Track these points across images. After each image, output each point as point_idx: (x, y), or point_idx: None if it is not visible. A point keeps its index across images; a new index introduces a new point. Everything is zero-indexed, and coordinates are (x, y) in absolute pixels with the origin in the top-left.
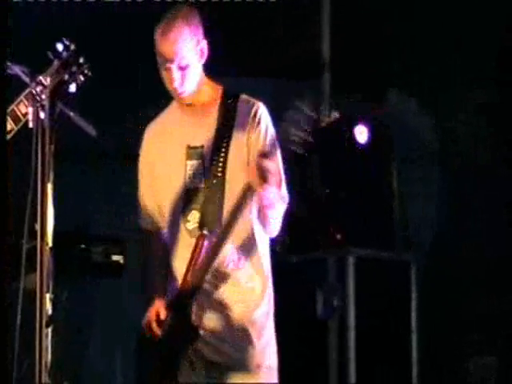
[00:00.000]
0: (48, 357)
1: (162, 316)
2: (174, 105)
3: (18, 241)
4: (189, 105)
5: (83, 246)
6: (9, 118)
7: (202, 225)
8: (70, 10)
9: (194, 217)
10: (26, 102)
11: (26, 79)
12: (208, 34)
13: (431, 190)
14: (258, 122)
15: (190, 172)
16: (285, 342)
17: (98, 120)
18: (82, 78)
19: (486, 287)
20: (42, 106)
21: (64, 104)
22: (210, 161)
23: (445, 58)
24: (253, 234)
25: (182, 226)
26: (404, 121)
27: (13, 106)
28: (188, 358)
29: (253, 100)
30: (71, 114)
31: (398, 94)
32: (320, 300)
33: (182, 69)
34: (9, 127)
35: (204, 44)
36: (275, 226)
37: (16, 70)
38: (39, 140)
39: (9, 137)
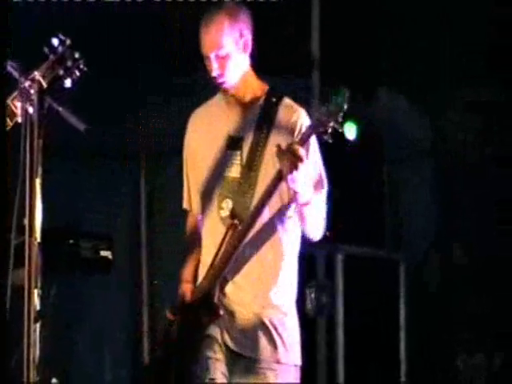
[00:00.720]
0: (36, 353)
1: (187, 300)
2: (219, 95)
3: (5, 236)
4: (232, 96)
5: (72, 241)
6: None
7: (233, 215)
8: (71, 10)
9: (227, 205)
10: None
11: (16, 74)
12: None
13: (422, 188)
14: (300, 131)
15: (228, 161)
16: None
17: (98, 120)
18: (77, 73)
19: (475, 285)
20: (31, 101)
21: (54, 99)
22: (249, 153)
23: (434, 56)
24: (279, 244)
25: (215, 213)
26: (394, 119)
27: (8, 101)
28: (211, 347)
29: (295, 106)
30: (60, 108)
31: (387, 92)
32: (309, 297)
33: (221, 58)
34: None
35: (248, 37)
36: (316, 225)
37: (6, 65)
38: (27, 135)
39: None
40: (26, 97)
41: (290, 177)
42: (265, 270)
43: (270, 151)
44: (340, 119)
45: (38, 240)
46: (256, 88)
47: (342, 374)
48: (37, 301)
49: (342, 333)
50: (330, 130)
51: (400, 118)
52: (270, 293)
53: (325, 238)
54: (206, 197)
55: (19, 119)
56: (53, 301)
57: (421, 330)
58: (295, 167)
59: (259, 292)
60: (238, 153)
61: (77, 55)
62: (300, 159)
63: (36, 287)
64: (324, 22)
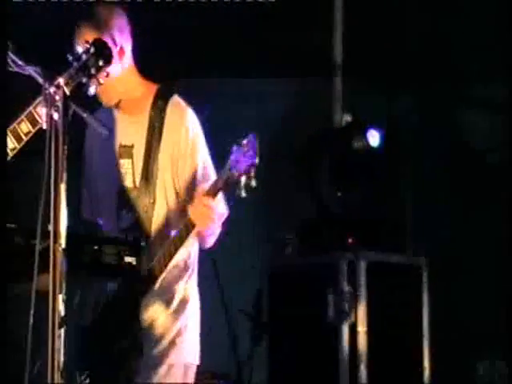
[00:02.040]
0: (61, 358)
1: None
2: None
3: (30, 241)
4: (116, 104)
5: (96, 247)
6: (26, 120)
7: (135, 227)
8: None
9: (125, 215)
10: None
11: (40, 80)
12: (223, 35)
13: (444, 194)
14: (186, 130)
15: (122, 171)
16: (296, 346)
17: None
18: (101, 81)
19: (497, 292)
20: (56, 107)
21: (78, 105)
22: (143, 161)
23: (459, 58)
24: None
25: (113, 224)
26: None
27: (30, 108)
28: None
29: (182, 105)
30: (85, 114)
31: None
32: (331, 304)
33: None
34: (25, 130)
35: (123, 43)
36: (211, 242)
37: (30, 70)
38: (53, 141)
39: (26, 138)
40: (50, 103)
41: (206, 230)
42: None
43: (165, 156)
44: (253, 174)
45: (63, 246)
46: (143, 92)
47: (365, 382)
48: (61, 306)
49: (364, 340)
50: (243, 184)
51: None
52: None
53: (347, 244)
54: (103, 208)
55: (44, 125)
56: (76, 307)
57: (444, 336)
58: (210, 221)
59: None
60: (130, 161)
61: (100, 63)
62: (213, 212)
63: (60, 293)
64: (347, 24)
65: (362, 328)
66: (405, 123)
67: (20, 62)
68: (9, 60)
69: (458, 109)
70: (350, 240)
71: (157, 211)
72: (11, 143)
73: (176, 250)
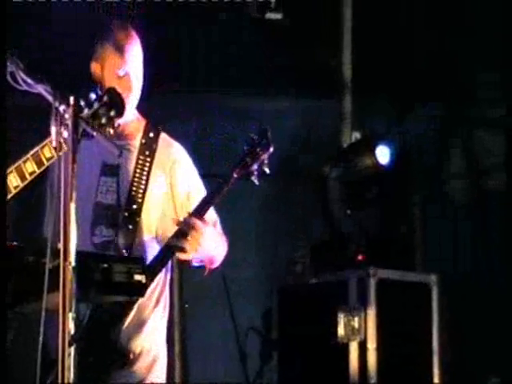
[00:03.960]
0: (71, 376)
1: None
2: None
3: (40, 260)
4: None
5: (105, 265)
6: (32, 160)
7: (109, 244)
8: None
9: (101, 231)
10: (51, 146)
11: (50, 98)
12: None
13: (453, 211)
14: (179, 166)
15: (102, 187)
16: (306, 364)
17: None
18: (111, 131)
19: (508, 310)
20: (66, 126)
21: (88, 124)
22: (131, 182)
23: (470, 75)
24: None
25: (87, 239)
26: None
27: (37, 149)
28: None
29: (171, 140)
30: (95, 133)
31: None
32: (341, 321)
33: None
34: (30, 170)
35: None
36: (216, 261)
37: (40, 89)
38: (62, 159)
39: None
40: (60, 121)
41: (196, 252)
42: None
43: (154, 182)
44: (266, 161)
45: (73, 264)
46: (133, 119)
47: None
48: (71, 325)
49: (374, 357)
50: (255, 172)
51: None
52: None
53: (357, 261)
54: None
55: (53, 143)
56: (86, 325)
57: (454, 354)
58: (198, 244)
59: None
60: (114, 179)
61: (112, 113)
62: (201, 233)
63: (70, 311)
64: (356, 41)
65: (371, 345)
66: (414, 140)
67: (30, 81)
68: (18, 78)
69: (465, 128)
70: (359, 257)
71: (140, 231)
72: (15, 181)
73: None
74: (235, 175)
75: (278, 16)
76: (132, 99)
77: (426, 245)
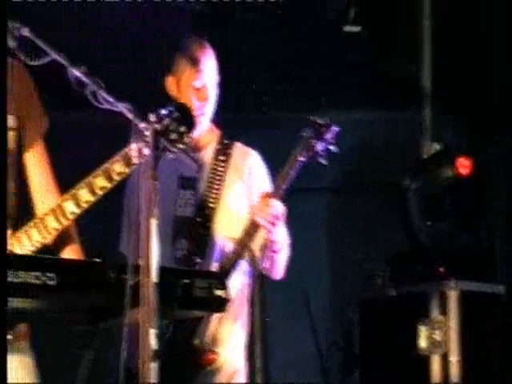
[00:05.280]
0: None
1: None
2: None
3: (121, 276)
4: None
5: (187, 280)
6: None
7: (192, 252)
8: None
9: (182, 245)
10: (122, 162)
11: (130, 116)
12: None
13: None
14: (255, 171)
15: (181, 200)
16: (387, 377)
17: None
18: (181, 147)
19: None
20: (147, 143)
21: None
22: (204, 193)
23: None
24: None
25: (169, 254)
26: None
27: (107, 165)
28: None
29: (248, 149)
30: (175, 150)
31: None
32: (422, 334)
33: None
34: (100, 185)
35: None
36: (281, 268)
37: (120, 107)
38: (143, 176)
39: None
40: (140, 138)
41: (271, 230)
42: None
43: (227, 192)
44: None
45: (155, 280)
46: (207, 131)
47: None
48: (154, 340)
49: (456, 370)
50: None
51: None
52: None
53: (438, 274)
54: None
55: (134, 160)
56: (168, 340)
57: None
58: (276, 219)
59: None
60: (192, 192)
61: (182, 129)
62: (279, 213)
63: (152, 327)
64: (436, 50)
65: (453, 358)
66: (494, 152)
67: (110, 99)
68: (99, 98)
69: None
70: (440, 269)
71: (214, 242)
72: (86, 196)
73: (240, 254)
74: (302, 158)
75: (357, 29)
76: (208, 110)
77: (509, 255)
